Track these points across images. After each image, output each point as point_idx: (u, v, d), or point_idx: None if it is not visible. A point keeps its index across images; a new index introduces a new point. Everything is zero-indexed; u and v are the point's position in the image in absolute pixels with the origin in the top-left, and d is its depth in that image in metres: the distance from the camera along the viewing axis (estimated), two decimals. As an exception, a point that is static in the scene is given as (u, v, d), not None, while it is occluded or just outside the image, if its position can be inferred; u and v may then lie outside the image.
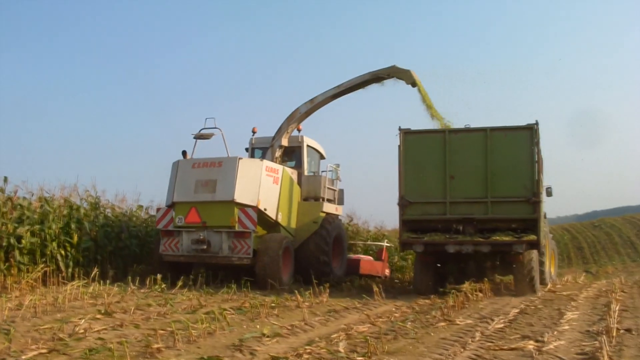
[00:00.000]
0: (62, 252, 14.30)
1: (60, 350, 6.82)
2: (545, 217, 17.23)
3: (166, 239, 14.82)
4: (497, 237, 13.85)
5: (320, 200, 17.09)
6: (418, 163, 14.56)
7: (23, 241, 13.38)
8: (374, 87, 17.51)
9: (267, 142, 17.15)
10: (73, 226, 14.83)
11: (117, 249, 16.06)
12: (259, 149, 17.32)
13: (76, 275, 14.37)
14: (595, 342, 7.63)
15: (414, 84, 16.74)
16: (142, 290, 12.49)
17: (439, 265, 15.14)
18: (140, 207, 18.04)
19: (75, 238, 14.60)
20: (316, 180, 17.30)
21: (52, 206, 14.72)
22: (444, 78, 18.15)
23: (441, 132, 14.99)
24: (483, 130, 14.41)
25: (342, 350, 6.91)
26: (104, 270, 15.05)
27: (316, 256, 16.01)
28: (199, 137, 15.39)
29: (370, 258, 20.37)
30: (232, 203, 14.32)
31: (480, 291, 13.44)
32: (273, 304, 10.86)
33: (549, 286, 16.26)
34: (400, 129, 14.53)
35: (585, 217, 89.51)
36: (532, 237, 13.77)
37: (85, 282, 12.71)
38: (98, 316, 9.09)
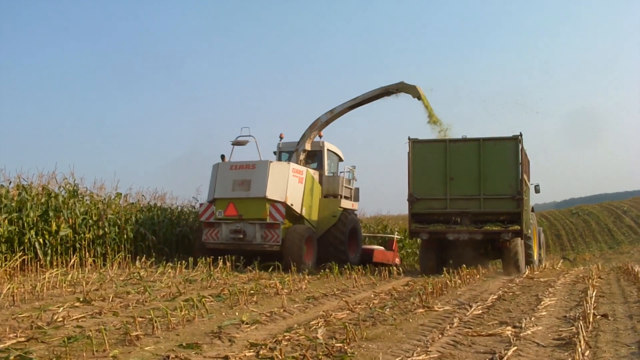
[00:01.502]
0: (41, 240, 14.19)
1: (38, 338, 6.79)
2: (533, 211, 21.16)
3: (208, 229, 17.09)
4: (488, 227, 16.83)
5: (339, 197, 19.52)
6: (424, 166, 17.40)
7: (0, 229, 13.26)
8: (390, 99, 20.03)
9: (292, 146, 19.61)
10: (51, 214, 14.70)
11: (96, 236, 15.97)
12: (286, 153, 19.81)
13: (55, 263, 14.32)
14: (572, 327, 7.72)
15: (419, 97, 19.22)
16: (121, 278, 12.46)
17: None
18: (119, 194, 17.91)
19: (54, 226, 14.50)
20: (335, 180, 19.77)
21: (30, 194, 14.58)
22: (449, 93, 20.96)
23: (443, 141, 17.81)
24: (477, 140, 17.27)
25: (320, 337, 6.93)
26: (83, 258, 15.00)
27: (335, 245, 18.36)
28: (236, 143, 17.89)
29: (383, 248, 22.52)
30: (264, 199, 16.61)
31: (459, 278, 13.61)
32: (252, 291, 10.89)
33: (527, 273, 16.47)
34: (409, 139, 17.41)
35: (564, 204, 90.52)
36: (516, 227, 16.67)
37: (63, 270, 12.65)
38: (77, 304, 9.05)
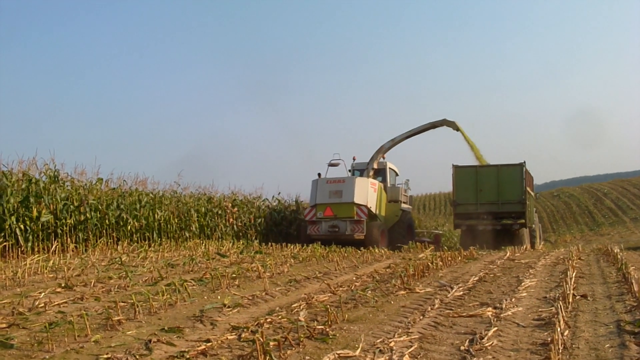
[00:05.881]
0: (22, 226, 14.10)
1: (20, 324, 6.75)
2: (535, 212, 30.32)
3: (311, 226, 23.24)
4: (504, 221, 24.86)
5: (399, 202, 26.04)
6: (463, 182, 25.54)
7: (-20, 216, 13.18)
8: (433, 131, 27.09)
9: (363, 166, 25.94)
10: (32, 200, 14.60)
11: (77, 222, 15.88)
12: (358, 170, 26.06)
13: (36, 249, 14.24)
14: (552, 308, 7.77)
15: (457, 129, 26.11)
16: (102, 264, 12.41)
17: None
18: (100, 180, 17.80)
19: (35, 212, 14.40)
20: (396, 190, 26.30)
21: (10, 180, 14.47)
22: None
23: (474, 166, 25.89)
24: (496, 166, 25.52)
25: (302, 320, 6.96)
26: (64, 244, 14.92)
27: (397, 236, 24.51)
28: (330, 165, 24.52)
29: (430, 240, 29.80)
30: (353, 203, 22.80)
31: (441, 260, 13.68)
32: (234, 275, 10.90)
33: (507, 255, 16.60)
34: (453, 165, 25.62)
35: (545, 186, 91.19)
36: (522, 220, 24.88)
37: (45, 256, 12.58)
38: (58, 290, 9.01)
